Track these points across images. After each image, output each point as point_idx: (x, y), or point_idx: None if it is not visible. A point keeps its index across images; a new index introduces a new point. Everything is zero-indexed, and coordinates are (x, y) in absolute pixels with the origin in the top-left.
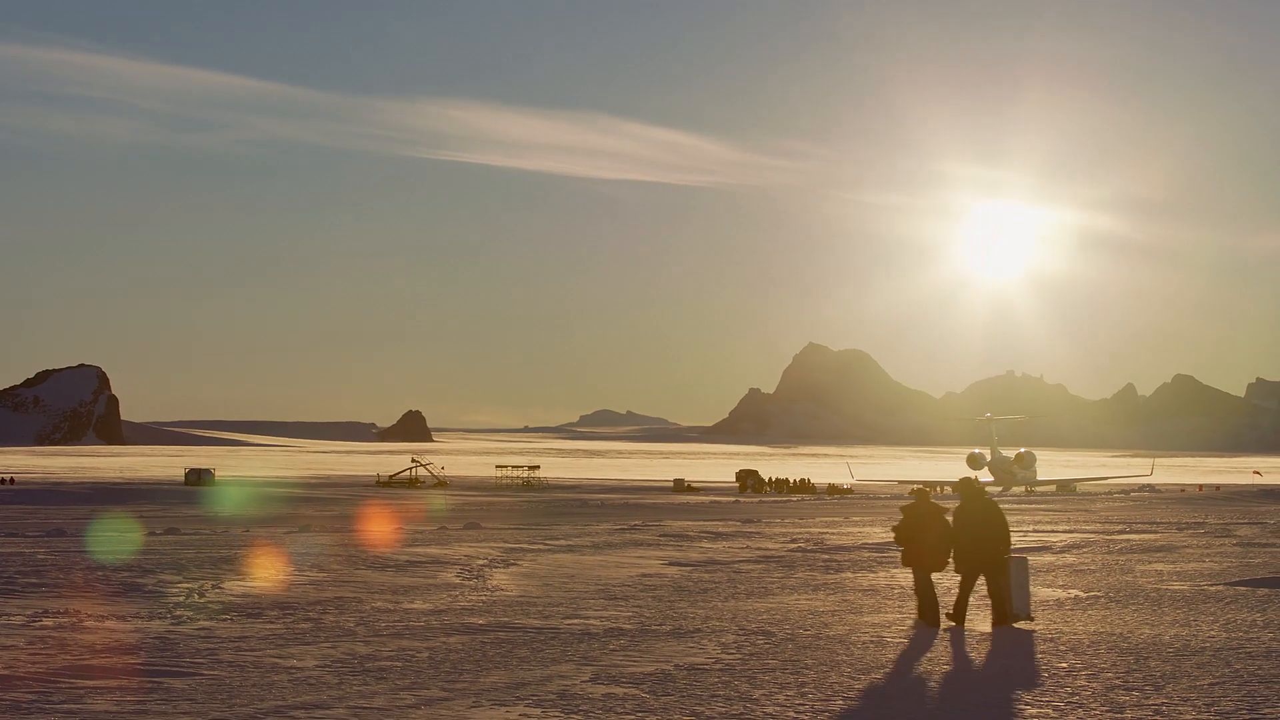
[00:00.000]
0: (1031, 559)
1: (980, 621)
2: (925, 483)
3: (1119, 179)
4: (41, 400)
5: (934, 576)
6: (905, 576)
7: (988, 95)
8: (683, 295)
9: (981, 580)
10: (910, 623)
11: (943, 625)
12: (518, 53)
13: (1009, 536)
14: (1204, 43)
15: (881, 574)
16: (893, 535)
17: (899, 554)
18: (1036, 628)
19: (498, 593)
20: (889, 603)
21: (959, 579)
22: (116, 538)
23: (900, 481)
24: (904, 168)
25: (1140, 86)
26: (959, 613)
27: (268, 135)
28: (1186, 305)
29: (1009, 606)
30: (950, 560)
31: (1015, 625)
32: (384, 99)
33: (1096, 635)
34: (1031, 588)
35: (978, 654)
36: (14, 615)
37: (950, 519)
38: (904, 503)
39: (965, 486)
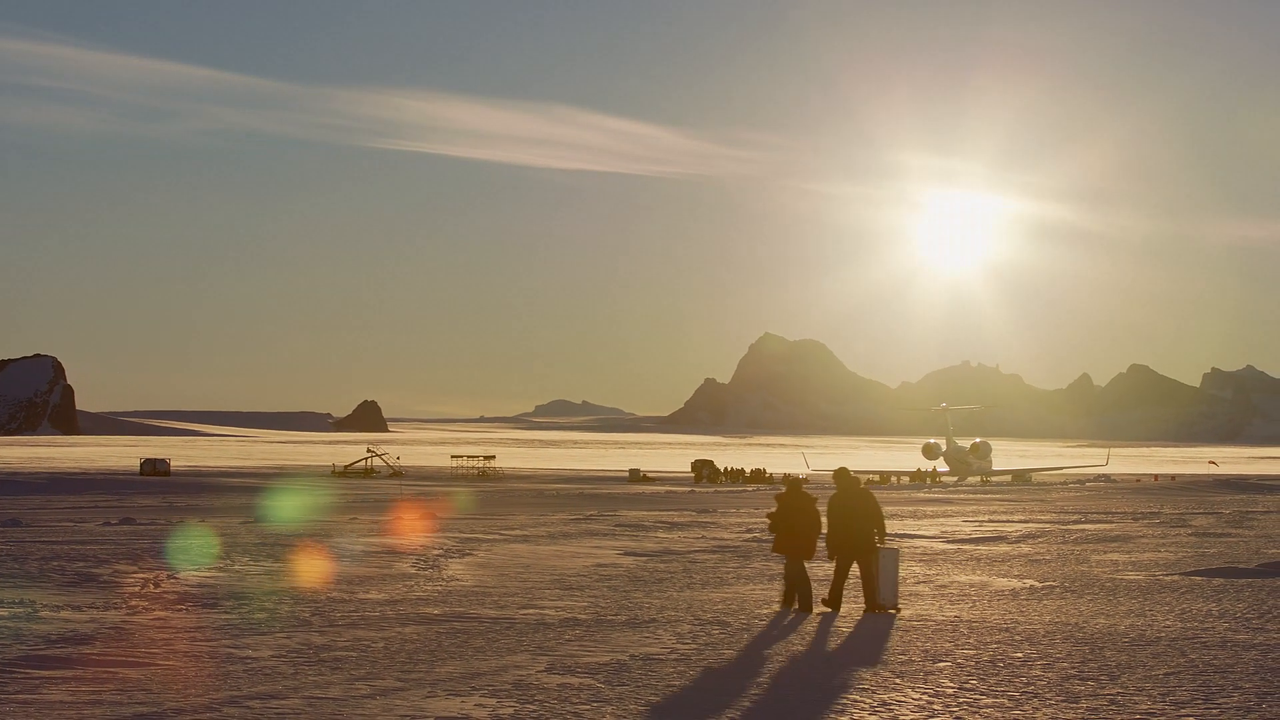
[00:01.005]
0: (986, 549)
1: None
2: (883, 472)
3: (1075, 168)
4: None
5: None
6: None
7: (942, 85)
8: (639, 285)
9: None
10: (775, 608)
11: (815, 610)
12: (476, 43)
13: (883, 525)
14: (1159, 31)
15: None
16: (767, 523)
17: (771, 541)
18: (903, 616)
19: (453, 583)
20: (845, 592)
21: (835, 566)
22: (73, 528)
23: (855, 472)
24: (860, 158)
25: (1097, 74)
26: (834, 598)
27: (227, 125)
28: (1142, 295)
29: (878, 594)
30: (822, 548)
31: (884, 613)
32: (343, 89)
33: (1052, 625)
34: (964, 576)
35: (933, 644)
36: None
37: (823, 508)
38: (778, 492)
39: (840, 477)
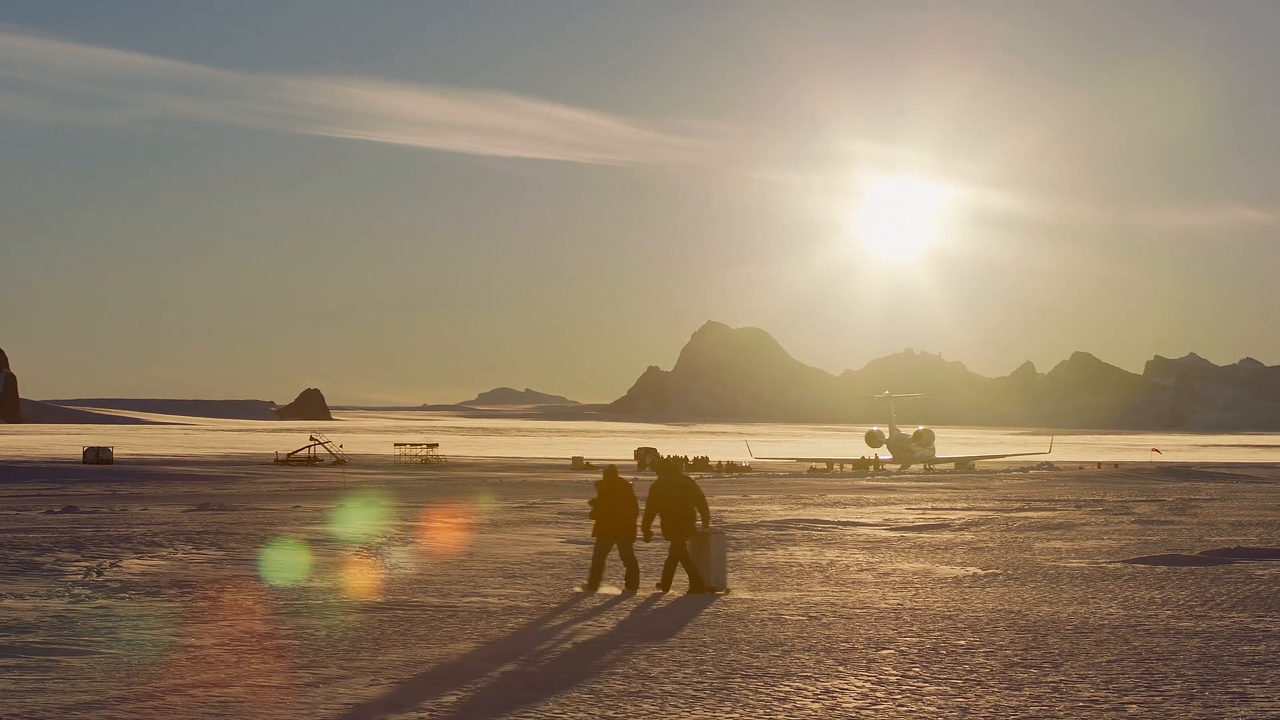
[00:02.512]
0: (929, 537)
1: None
2: (827, 460)
3: (1018, 156)
4: None
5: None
6: (803, 554)
7: (885, 73)
8: (582, 273)
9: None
10: (578, 590)
11: (640, 590)
12: (418, 30)
13: (707, 510)
14: (1102, 19)
15: (780, 552)
16: (589, 509)
17: (590, 526)
18: (732, 597)
19: (396, 571)
20: (787, 580)
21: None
22: (15, 516)
23: (799, 459)
24: (803, 146)
25: (1039, 62)
26: (666, 580)
27: (168, 113)
28: (1085, 283)
29: (706, 577)
30: (641, 532)
31: (716, 594)
32: (284, 76)
33: (995, 613)
34: (907, 564)
35: (876, 631)
36: None
37: (638, 493)
38: (596, 479)
39: (662, 464)
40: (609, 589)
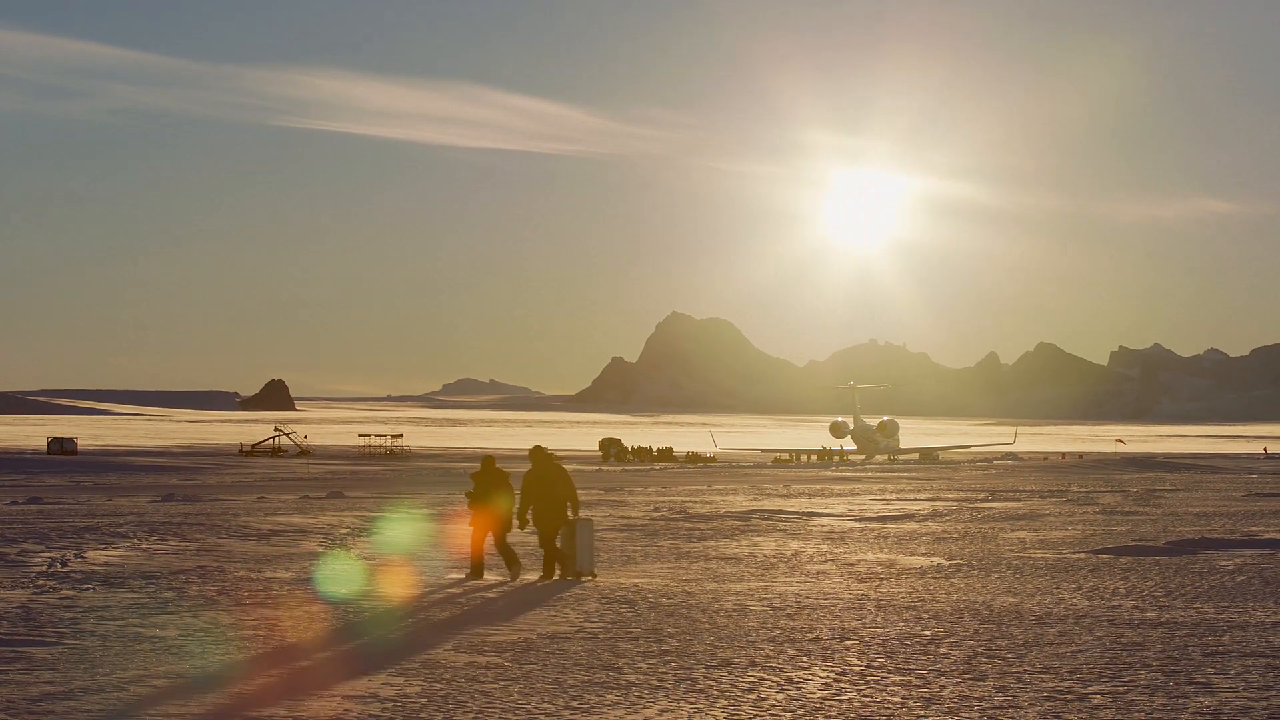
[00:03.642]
0: (893, 527)
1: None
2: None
3: (982, 147)
4: None
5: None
6: (767, 545)
7: (850, 64)
8: (547, 264)
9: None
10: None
11: (518, 578)
12: (382, 21)
13: (576, 498)
14: (1066, 8)
15: (744, 543)
16: (466, 500)
17: (469, 516)
18: (599, 582)
19: (359, 561)
20: (751, 571)
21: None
22: None
23: (763, 450)
24: (768, 136)
25: (1003, 52)
26: (548, 568)
27: (131, 103)
28: (1050, 274)
29: (575, 562)
30: (518, 520)
31: (583, 579)
32: (251, 68)
33: (959, 603)
34: (871, 554)
35: (840, 622)
36: None
37: (515, 484)
38: (473, 469)
39: (535, 454)
40: (493, 576)
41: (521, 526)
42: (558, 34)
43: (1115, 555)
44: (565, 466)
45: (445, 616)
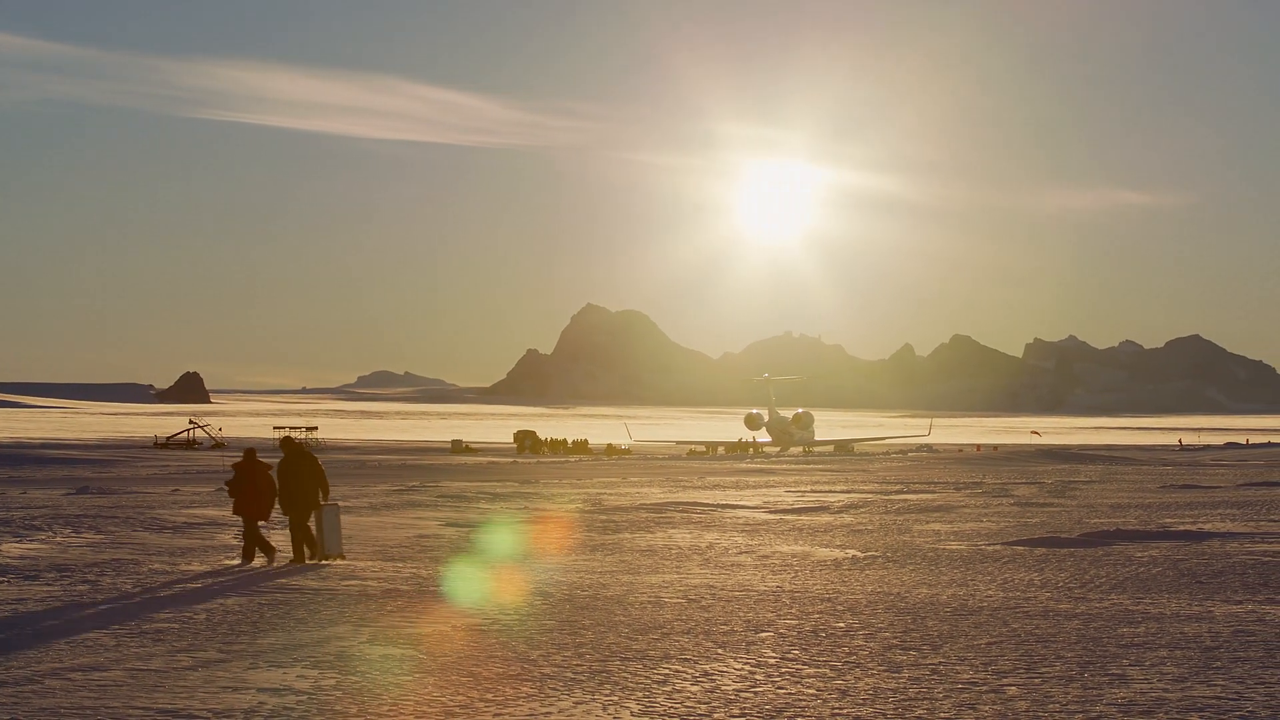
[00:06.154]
0: (808, 519)
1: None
2: (707, 443)
3: (897, 139)
4: None
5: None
6: (682, 537)
7: (765, 55)
8: (461, 256)
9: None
10: (238, 563)
11: (275, 564)
12: (299, 13)
13: (326, 485)
14: (979, 2)
15: (659, 535)
16: (226, 489)
17: (230, 504)
18: (344, 564)
19: (275, 554)
20: (666, 563)
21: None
22: None
23: (678, 442)
24: (683, 128)
25: (918, 45)
26: (297, 552)
27: (44, 94)
28: (964, 266)
29: (324, 546)
30: (277, 507)
31: (329, 562)
32: (166, 58)
33: (874, 595)
34: (786, 546)
35: (755, 614)
36: None
37: (274, 474)
38: (235, 460)
39: (285, 444)
40: (261, 560)
41: (285, 513)
42: (472, 25)
43: (1030, 547)
44: (317, 457)
45: (356, 609)
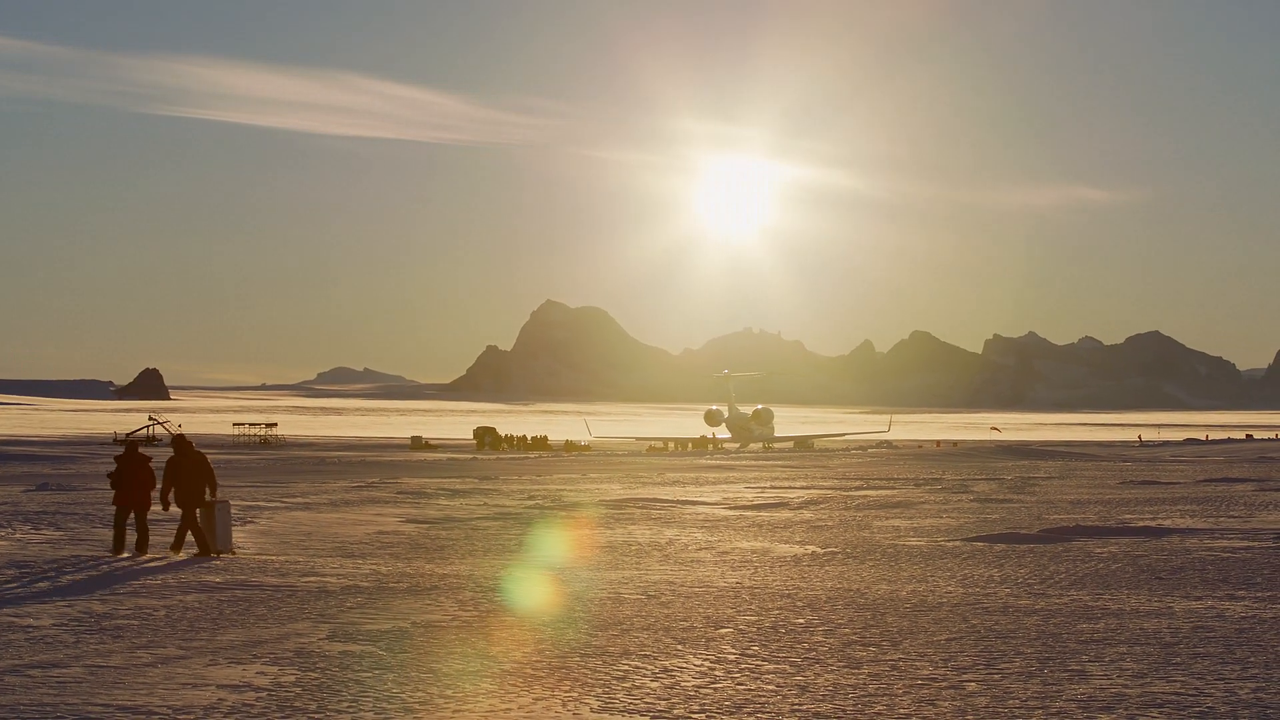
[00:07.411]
0: (768, 515)
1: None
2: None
3: (857, 135)
4: None
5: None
6: (641, 533)
7: (724, 52)
8: (421, 252)
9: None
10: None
11: (145, 555)
12: (261, 9)
13: (214, 482)
14: None
15: (619, 531)
16: (108, 481)
17: (111, 494)
18: (241, 558)
19: (235, 550)
20: (626, 559)
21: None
22: None
23: (638, 438)
24: (642, 124)
25: (877, 41)
26: (178, 544)
27: (4, 90)
28: (924, 262)
29: (213, 541)
30: (161, 502)
31: (217, 556)
32: (126, 55)
33: (834, 591)
34: (746, 542)
35: (715, 610)
36: None
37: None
38: (118, 453)
39: (177, 442)
40: (131, 551)
41: (165, 509)
42: (434, 21)
43: (990, 543)
44: (203, 454)
45: (316, 605)
